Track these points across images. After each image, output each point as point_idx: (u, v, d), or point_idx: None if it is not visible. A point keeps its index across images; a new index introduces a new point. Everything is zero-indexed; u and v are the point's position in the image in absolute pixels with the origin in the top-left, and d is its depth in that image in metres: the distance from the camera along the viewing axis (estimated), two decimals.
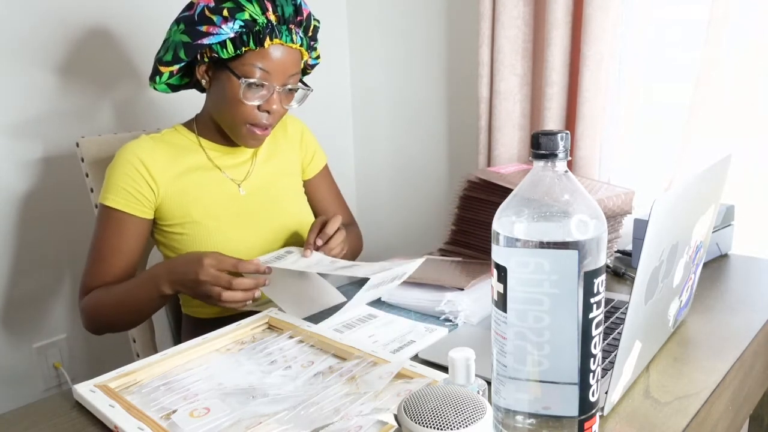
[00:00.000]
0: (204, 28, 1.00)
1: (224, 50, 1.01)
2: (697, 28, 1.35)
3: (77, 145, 1.23)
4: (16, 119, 1.43)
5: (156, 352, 1.08)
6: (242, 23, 0.99)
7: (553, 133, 0.53)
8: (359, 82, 2.16)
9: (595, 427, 0.57)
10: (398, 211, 2.12)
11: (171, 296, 0.99)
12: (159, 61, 1.06)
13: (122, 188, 1.05)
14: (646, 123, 1.52)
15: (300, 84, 1.10)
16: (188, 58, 1.03)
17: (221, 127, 1.12)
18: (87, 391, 0.71)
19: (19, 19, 1.41)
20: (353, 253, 1.27)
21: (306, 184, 1.28)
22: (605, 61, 1.44)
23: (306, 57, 1.10)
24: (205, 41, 1.00)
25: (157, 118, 1.66)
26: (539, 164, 0.54)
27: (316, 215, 1.27)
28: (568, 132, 0.54)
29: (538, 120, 1.63)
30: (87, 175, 1.24)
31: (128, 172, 1.06)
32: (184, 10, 1.04)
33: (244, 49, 1.00)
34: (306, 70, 1.18)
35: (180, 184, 1.09)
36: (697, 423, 0.67)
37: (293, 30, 1.03)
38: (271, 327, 0.91)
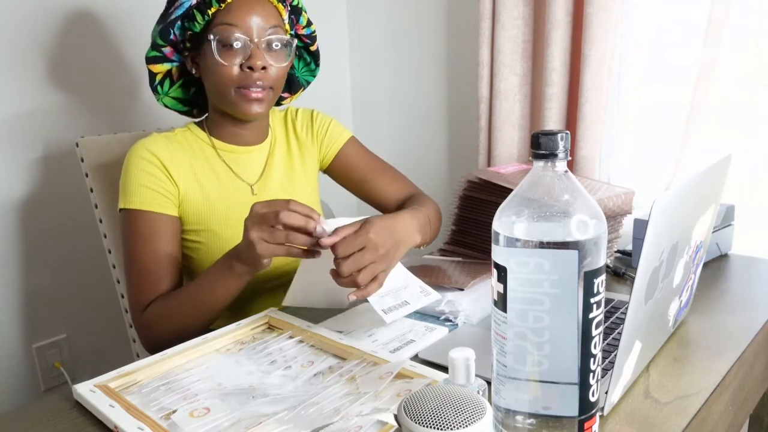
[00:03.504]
0: (171, 9, 1.01)
1: (195, 23, 1.00)
2: (697, 29, 1.36)
3: (77, 145, 1.23)
4: (16, 119, 1.43)
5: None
6: None
7: (553, 133, 0.53)
8: (359, 82, 2.16)
9: (595, 427, 0.57)
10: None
11: (245, 276, 0.89)
12: (146, 60, 1.06)
13: (144, 186, 1.00)
14: (647, 123, 1.52)
15: (285, 37, 1.03)
16: (164, 41, 1.02)
17: (230, 124, 1.09)
18: (87, 391, 0.71)
19: (19, 19, 1.41)
20: (433, 233, 1.10)
21: (335, 163, 1.20)
22: (606, 62, 1.44)
23: (284, 13, 1.04)
24: (173, 15, 1.00)
25: (158, 118, 1.66)
26: (539, 164, 0.54)
27: (362, 193, 1.20)
28: (568, 132, 0.54)
29: (538, 120, 1.64)
30: (87, 175, 1.24)
31: (146, 168, 1.01)
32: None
33: (210, 11, 0.99)
34: (308, 46, 1.14)
35: (195, 185, 1.05)
36: (697, 423, 0.67)
37: None
38: (271, 327, 0.91)
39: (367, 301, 0.84)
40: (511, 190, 0.56)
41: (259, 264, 0.86)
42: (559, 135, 0.53)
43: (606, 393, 0.65)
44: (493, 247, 0.55)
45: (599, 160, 1.53)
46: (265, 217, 0.81)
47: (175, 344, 0.94)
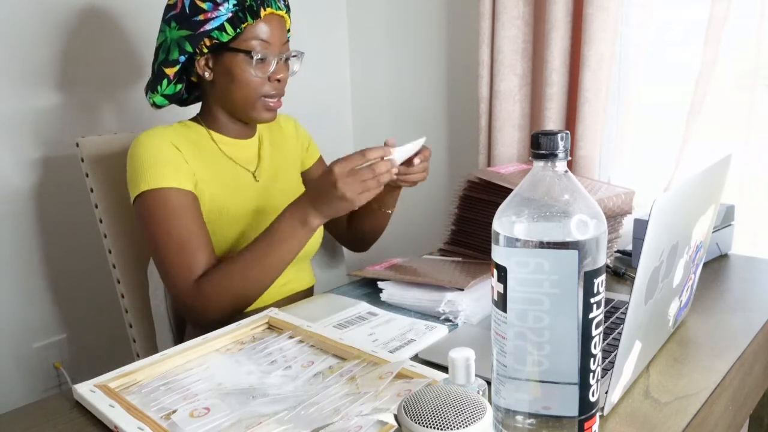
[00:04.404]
0: (201, 17, 1.03)
1: (223, 33, 1.03)
2: (697, 28, 1.35)
3: (77, 145, 1.23)
4: (16, 119, 1.43)
5: (156, 352, 1.08)
6: (235, 1, 1.02)
7: (553, 133, 0.53)
8: (359, 82, 2.16)
9: (595, 427, 0.57)
10: (398, 211, 2.12)
11: (318, 227, 0.99)
12: (164, 63, 1.07)
13: (167, 164, 1.03)
14: (646, 123, 1.52)
15: (294, 50, 1.12)
16: (194, 50, 1.05)
17: (230, 118, 1.14)
18: (87, 391, 0.71)
19: (20, 18, 1.41)
20: (379, 229, 1.30)
21: (304, 176, 1.30)
22: (605, 61, 1.44)
23: (289, 24, 1.12)
24: (207, 27, 1.03)
25: (157, 118, 1.66)
26: (539, 164, 0.54)
27: None
28: (568, 132, 0.54)
29: (538, 120, 1.63)
30: (87, 175, 1.24)
31: (165, 149, 1.04)
32: (168, 11, 1.07)
33: (243, 26, 1.03)
34: None
35: (204, 172, 1.09)
36: (697, 423, 0.67)
37: None
38: (271, 327, 0.91)
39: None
40: (511, 190, 0.56)
41: (348, 211, 0.96)
42: (559, 135, 0.53)
43: (606, 393, 0.65)
44: (493, 247, 0.55)
45: (599, 160, 1.52)
46: (357, 173, 0.93)
47: (226, 318, 0.99)
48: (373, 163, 0.94)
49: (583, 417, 0.55)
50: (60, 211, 1.52)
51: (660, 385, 0.72)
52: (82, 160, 1.23)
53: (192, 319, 1.04)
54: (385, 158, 0.95)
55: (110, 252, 1.25)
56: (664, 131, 1.49)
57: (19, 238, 1.47)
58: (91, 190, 1.24)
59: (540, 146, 0.53)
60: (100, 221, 1.25)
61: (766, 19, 1.26)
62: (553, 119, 1.53)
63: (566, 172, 0.54)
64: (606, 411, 0.66)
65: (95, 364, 1.63)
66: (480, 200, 1.13)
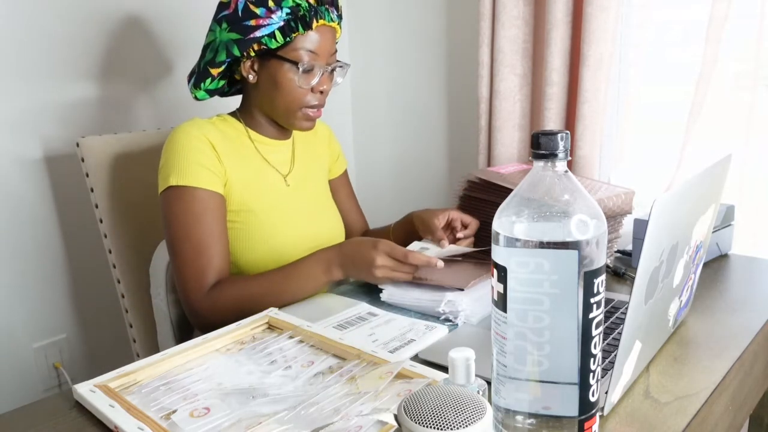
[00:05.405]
0: (252, 22, 1.03)
1: (273, 40, 1.03)
2: (697, 28, 1.36)
3: (77, 145, 1.23)
4: (16, 119, 1.43)
5: (157, 351, 1.08)
6: (289, 10, 1.02)
7: (553, 133, 0.53)
8: (359, 82, 2.16)
9: (595, 427, 0.57)
10: (398, 212, 2.11)
11: (338, 279, 1.01)
12: (210, 63, 1.07)
13: (197, 164, 1.03)
14: (646, 123, 1.52)
15: (339, 61, 1.12)
16: (241, 54, 1.05)
17: (268, 120, 1.15)
18: (87, 391, 0.71)
19: (20, 19, 1.41)
20: None
21: (329, 184, 1.31)
22: (605, 61, 1.44)
23: (339, 34, 1.12)
24: (257, 34, 1.03)
25: (159, 118, 1.66)
26: (539, 164, 0.54)
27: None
28: (568, 132, 0.54)
29: (538, 120, 1.64)
30: (87, 175, 1.24)
31: (200, 147, 1.04)
32: (221, 10, 1.06)
33: (293, 35, 1.03)
34: None
35: (237, 170, 1.08)
36: (697, 423, 0.67)
37: (329, 9, 1.07)
38: (271, 327, 0.91)
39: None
40: (511, 190, 0.56)
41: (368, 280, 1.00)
42: (559, 135, 0.53)
43: (606, 393, 0.65)
44: (493, 247, 0.55)
45: (599, 160, 1.53)
46: (396, 263, 0.96)
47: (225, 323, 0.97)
48: (415, 262, 0.96)
49: (583, 417, 0.55)
50: (60, 211, 1.52)
51: (660, 385, 0.72)
52: (83, 160, 1.23)
53: (192, 320, 1.04)
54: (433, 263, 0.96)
55: (110, 252, 1.25)
56: (664, 131, 1.49)
57: (19, 238, 1.47)
58: (91, 190, 1.24)
59: (540, 146, 0.53)
60: (100, 221, 1.25)
61: (766, 19, 1.27)
62: (553, 119, 1.53)
63: (566, 172, 0.54)
64: (606, 411, 0.66)
65: (95, 364, 1.63)
66: (480, 200, 1.13)
